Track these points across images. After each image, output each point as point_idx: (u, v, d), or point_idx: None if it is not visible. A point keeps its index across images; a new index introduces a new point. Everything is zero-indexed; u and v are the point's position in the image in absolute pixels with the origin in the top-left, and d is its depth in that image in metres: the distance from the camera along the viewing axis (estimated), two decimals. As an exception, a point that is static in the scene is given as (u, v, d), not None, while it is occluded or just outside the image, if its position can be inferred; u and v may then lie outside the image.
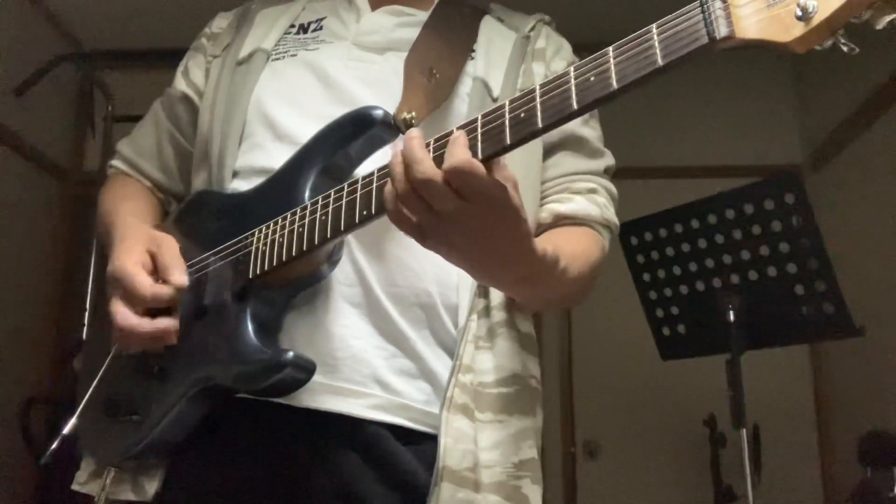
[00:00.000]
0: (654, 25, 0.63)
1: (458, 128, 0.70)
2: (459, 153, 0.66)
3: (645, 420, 2.88)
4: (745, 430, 1.87)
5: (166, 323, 0.86)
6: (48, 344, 3.01)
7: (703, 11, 0.60)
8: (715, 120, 3.15)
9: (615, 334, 2.88)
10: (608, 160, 1.04)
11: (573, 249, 0.89)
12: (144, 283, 0.85)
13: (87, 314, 2.73)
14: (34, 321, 2.97)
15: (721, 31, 0.59)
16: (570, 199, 0.98)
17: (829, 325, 1.88)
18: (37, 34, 2.96)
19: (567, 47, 1.09)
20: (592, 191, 1.00)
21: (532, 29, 1.08)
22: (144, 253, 0.89)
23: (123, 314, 0.85)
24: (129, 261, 0.88)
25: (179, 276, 0.87)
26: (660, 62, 0.61)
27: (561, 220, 0.97)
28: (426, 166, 0.67)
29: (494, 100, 0.98)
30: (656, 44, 0.62)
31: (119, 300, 0.87)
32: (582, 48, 1.12)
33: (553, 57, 1.06)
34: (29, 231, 2.94)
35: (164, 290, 0.86)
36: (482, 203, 0.68)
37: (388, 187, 0.71)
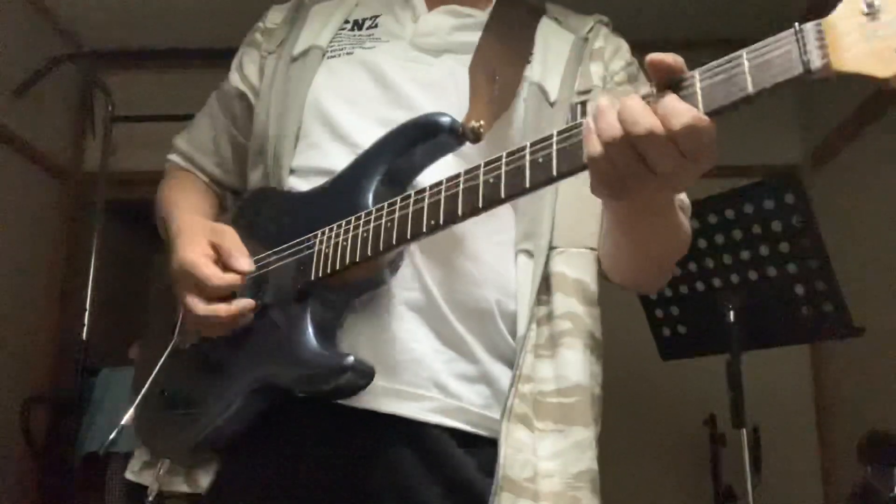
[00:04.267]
0: (744, 51, 0.60)
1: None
2: (686, 110, 0.62)
3: (645, 420, 2.87)
4: (745, 430, 1.87)
5: (244, 302, 0.88)
6: (48, 344, 3.01)
7: (797, 41, 0.57)
8: (715, 120, 3.14)
9: (615, 334, 2.85)
10: None
11: None
12: (215, 274, 0.88)
13: (87, 314, 2.73)
14: (35, 321, 2.96)
15: (815, 62, 0.56)
16: None
17: (829, 325, 1.89)
18: (37, 34, 2.95)
19: (625, 47, 1.07)
20: None
21: (590, 31, 1.06)
22: (207, 245, 0.91)
23: (201, 305, 0.88)
24: (196, 253, 0.90)
25: (246, 262, 0.89)
26: (750, 90, 0.59)
27: None
28: (657, 126, 0.63)
29: (551, 104, 0.96)
30: (746, 70, 0.59)
31: (191, 293, 0.89)
32: (640, 47, 1.10)
33: (612, 57, 1.04)
34: (29, 231, 2.94)
35: (233, 278, 0.88)
36: (702, 160, 0.65)
37: (596, 144, 0.66)
